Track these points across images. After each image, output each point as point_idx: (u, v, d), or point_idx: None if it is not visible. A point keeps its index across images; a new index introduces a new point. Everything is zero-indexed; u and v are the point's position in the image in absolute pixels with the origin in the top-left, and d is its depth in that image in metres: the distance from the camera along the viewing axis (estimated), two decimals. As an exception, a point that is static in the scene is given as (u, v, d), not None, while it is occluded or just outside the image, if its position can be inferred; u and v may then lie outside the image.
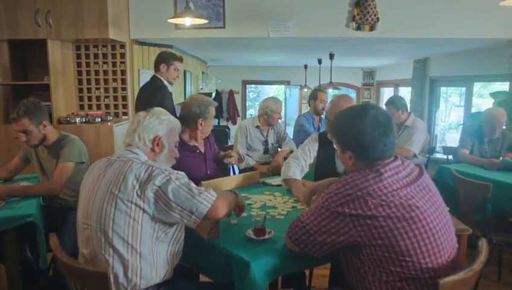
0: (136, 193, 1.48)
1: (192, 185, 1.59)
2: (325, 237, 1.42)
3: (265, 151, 3.93)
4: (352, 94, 10.38)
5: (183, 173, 1.59)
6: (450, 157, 4.17)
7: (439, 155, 4.94)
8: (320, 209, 1.43)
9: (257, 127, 3.88)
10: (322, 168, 2.56)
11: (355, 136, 1.45)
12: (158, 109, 1.79)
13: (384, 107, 9.47)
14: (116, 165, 1.56)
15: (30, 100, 2.41)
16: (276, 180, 2.62)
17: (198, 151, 2.64)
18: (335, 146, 1.59)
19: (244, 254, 1.53)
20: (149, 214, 1.49)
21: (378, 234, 1.33)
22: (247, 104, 10.79)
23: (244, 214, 1.94)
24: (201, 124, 2.58)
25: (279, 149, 4.12)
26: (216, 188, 2.30)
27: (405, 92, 8.01)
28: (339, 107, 2.34)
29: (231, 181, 2.46)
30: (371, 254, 1.37)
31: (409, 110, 3.93)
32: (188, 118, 2.56)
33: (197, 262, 1.82)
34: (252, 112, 11.72)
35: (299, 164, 2.53)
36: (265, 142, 3.93)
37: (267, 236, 1.66)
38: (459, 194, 2.86)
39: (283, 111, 10.32)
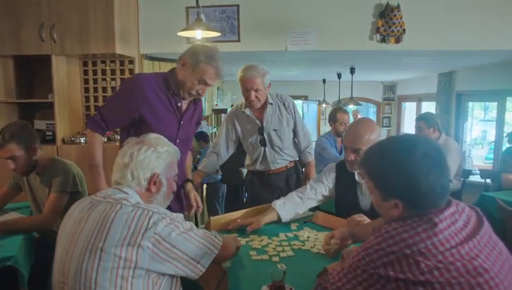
0: (128, 244, 1.18)
1: (195, 228, 1.32)
2: None
3: (262, 142, 2.89)
4: (372, 109, 10.03)
5: (181, 215, 1.31)
6: (488, 181, 3.79)
7: (474, 178, 4.53)
8: (355, 270, 1.11)
9: (244, 112, 2.89)
10: (343, 202, 2.22)
11: (406, 181, 1.11)
12: (155, 137, 1.50)
13: (407, 122, 9.07)
14: (101, 209, 1.27)
15: (17, 122, 2.18)
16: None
17: (179, 104, 2.14)
18: (365, 186, 1.26)
19: (258, 323, 1.22)
20: (143, 269, 1.20)
21: (434, 307, 1.01)
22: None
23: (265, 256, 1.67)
24: (182, 68, 2.09)
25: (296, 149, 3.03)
26: (225, 224, 2.02)
27: (429, 107, 7.64)
28: (357, 136, 2.01)
29: (242, 216, 2.13)
30: None
31: (440, 130, 3.60)
32: None
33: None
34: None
35: (302, 198, 2.20)
36: (260, 129, 2.88)
37: (286, 297, 1.34)
38: (506, 228, 2.50)
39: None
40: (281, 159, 2.94)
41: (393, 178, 1.13)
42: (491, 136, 8.43)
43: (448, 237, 1.05)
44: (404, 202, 1.13)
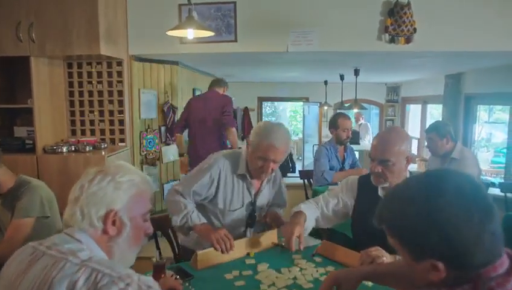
0: None
1: None
2: None
3: (250, 222, 2.14)
4: (375, 111, 9.74)
5: (150, 279, 0.97)
6: (509, 195, 3.49)
7: (491, 190, 4.21)
8: None
9: (240, 175, 2.07)
10: (362, 221, 1.91)
11: (439, 235, 0.81)
12: (116, 165, 1.16)
13: (411, 125, 8.78)
14: (42, 266, 0.97)
15: None
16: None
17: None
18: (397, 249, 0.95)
19: None
20: None
21: None
22: (263, 122, 10.25)
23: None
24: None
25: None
26: (217, 258, 1.72)
27: (434, 110, 7.35)
28: (387, 146, 1.78)
29: (237, 248, 1.79)
30: None
31: (455, 139, 3.30)
32: None
33: None
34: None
35: (317, 205, 2.04)
36: (252, 206, 2.12)
37: None
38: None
39: (301, 129, 9.74)
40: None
41: (422, 233, 0.84)
42: (496, 138, 8.14)
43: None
44: (446, 261, 0.83)
